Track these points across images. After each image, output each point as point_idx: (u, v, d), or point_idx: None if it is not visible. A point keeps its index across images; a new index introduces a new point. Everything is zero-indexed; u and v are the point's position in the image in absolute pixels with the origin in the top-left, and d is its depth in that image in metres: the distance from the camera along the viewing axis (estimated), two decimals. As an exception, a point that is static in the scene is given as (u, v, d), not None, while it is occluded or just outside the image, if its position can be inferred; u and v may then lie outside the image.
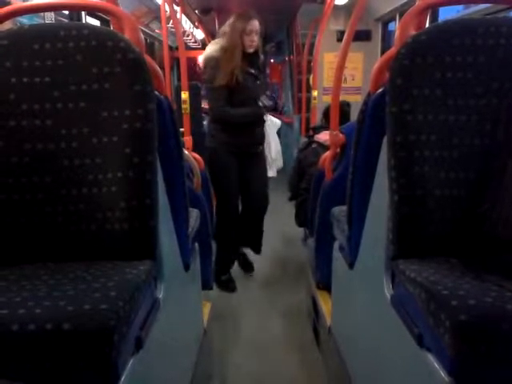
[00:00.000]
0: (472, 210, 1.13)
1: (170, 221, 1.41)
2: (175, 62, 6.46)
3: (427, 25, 1.46)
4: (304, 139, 3.29)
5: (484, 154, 1.16)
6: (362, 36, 4.61)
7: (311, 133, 3.21)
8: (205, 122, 5.68)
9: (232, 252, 3.12)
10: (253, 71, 2.83)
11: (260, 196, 3.02)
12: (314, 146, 3.04)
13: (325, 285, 2.21)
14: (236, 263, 3.24)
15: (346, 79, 4.75)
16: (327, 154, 2.31)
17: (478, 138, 1.17)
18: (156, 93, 1.24)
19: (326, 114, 3.14)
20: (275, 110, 3.18)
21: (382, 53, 4.64)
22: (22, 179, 1.14)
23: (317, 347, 2.34)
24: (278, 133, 4.06)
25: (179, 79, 2.96)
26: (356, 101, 4.01)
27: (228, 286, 3.07)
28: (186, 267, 1.61)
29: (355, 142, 1.50)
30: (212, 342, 2.19)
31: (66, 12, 3.04)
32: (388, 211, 1.19)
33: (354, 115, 1.63)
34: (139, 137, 1.14)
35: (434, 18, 3.12)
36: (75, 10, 2.90)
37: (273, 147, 3.14)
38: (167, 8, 3.10)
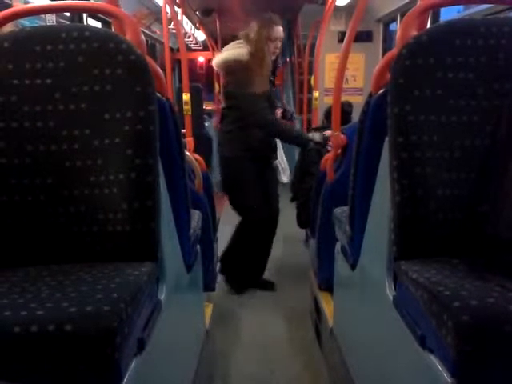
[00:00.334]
0: (474, 210, 1.13)
1: (171, 222, 1.41)
2: (176, 63, 6.47)
3: (428, 25, 1.46)
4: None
5: (485, 154, 1.16)
6: (364, 37, 4.61)
7: None
8: (207, 124, 5.71)
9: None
10: (272, 78, 2.84)
11: (275, 206, 2.99)
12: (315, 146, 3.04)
13: (327, 286, 2.21)
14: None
15: (347, 80, 4.75)
16: (329, 154, 2.31)
17: (480, 139, 1.16)
18: (157, 94, 1.24)
19: (328, 114, 3.14)
20: (284, 118, 3.16)
21: (384, 53, 4.64)
22: (24, 180, 1.14)
23: (319, 348, 2.34)
24: None
25: (180, 81, 2.96)
26: (357, 102, 4.01)
27: (272, 285, 3.07)
28: (188, 268, 1.61)
29: (357, 143, 1.50)
30: (214, 343, 2.19)
31: (68, 14, 3.05)
32: (390, 212, 1.19)
33: (356, 116, 1.63)
34: (141, 138, 1.14)
35: (436, 18, 3.12)
36: (76, 12, 2.90)
37: (282, 154, 3.15)
38: (168, 9, 3.10)
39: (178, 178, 1.47)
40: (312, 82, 4.59)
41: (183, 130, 2.39)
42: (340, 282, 1.87)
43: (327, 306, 2.15)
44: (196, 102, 4.08)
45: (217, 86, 6.62)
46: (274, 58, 2.76)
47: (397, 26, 4.32)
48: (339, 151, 2.22)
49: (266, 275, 3.11)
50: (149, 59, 1.24)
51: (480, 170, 1.15)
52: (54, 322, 0.81)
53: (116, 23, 1.34)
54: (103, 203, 1.14)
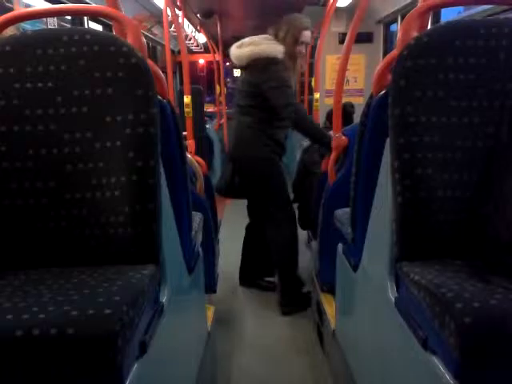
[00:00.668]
0: (476, 211, 1.13)
1: (173, 225, 1.41)
2: (177, 66, 6.48)
3: (429, 26, 1.46)
4: (307, 142, 3.28)
5: (487, 155, 1.15)
6: (364, 38, 4.61)
7: None
8: (208, 126, 5.71)
9: None
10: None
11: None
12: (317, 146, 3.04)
13: (329, 287, 2.21)
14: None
15: (348, 81, 4.75)
16: (330, 156, 2.31)
17: (481, 140, 1.16)
18: (159, 97, 1.24)
19: (330, 116, 3.14)
20: None
21: (384, 55, 4.64)
22: (26, 184, 1.14)
23: (321, 350, 2.33)
24: None
25: (182, 83, 2.97)
26: (358, 103, 4.01)
27: (274, 286, 2.98)
28: (190, 271, 1.61)
29: (358, 144, 1.50)
30: (216, 345, 2.18)
31: (69, 17, 3.06)
32: (391, 213, 1.19)
33: (357, 117, 1.63)
34: (142, 141, 1.14)
35: (436, 19, 3.12)
36: (78, 16, 2.91)
37: None
38: (169, 12, 3.10)
39: (180, 180, 1.47)
40: (313, 83, 4.60)
41: (184, 133, 2.40)
42: (342, 284, 1.87)
43: (329, 307, 2.14)
44: (197, 104, 4.09)
45: (218, 88, 6.63)
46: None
47: (397, 27, 4.32)
48: (340, 152, 2.22)
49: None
50: (150, 62, 1.24)
51: (482, 172, 1.15)
52: (56, 325, 0.81)
53: (117, 26, 1.35)
54: (105, 206, 1.14)
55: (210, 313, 2.22)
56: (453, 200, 1.15)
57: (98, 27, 3.71)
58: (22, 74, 1.16)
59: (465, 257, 1.11)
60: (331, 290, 2.12)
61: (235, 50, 2.68)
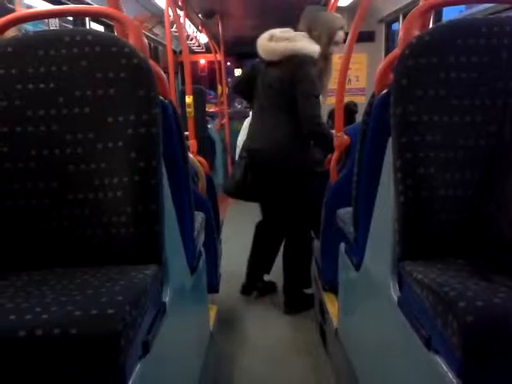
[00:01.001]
0: (478, 210, 1.13)
1: (175, 225, 1.41)
2: (179, 66, 6.48)
3: (431, 25, 1.46)
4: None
5: (490, 154, 1.15)
6: (366, 37, 4.60)
7: None
8: (210, 126, 5.72)
9: None
10: None
11: None
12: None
13: (331, 287, 2.21)
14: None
15: (349, 80, 4.75)
16: (332, 155, 2.31)
17: (484, 139, 1.16)
18: (160, 97, 1.24)
19: (333, 115, 3.14)
20: None
21: (386, 54, 4.64)
22: (28, 185, 1.15)
23: (324, 350, 2.33)
24: None
25: (183, 83, 2.96)
26: (360, 102, 4.00)
27: (274, 286, 3.00)
28: (192, 271, 1.61)
29: (360, 144, 1.50)
30: (218, 345, 2.19)
31: (70, 18, 3.06)
32: (394, 212, 1.19)
33: (359, 116, 1.63)
34: (144, 141, 1.14)
35: (438, 18, 3.11)
36: (79, 16, 2.91)
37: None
38: (171, 12, 3.10)
39: (182, 180, 1.47)
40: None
41: (186, 133, 2.40)
42: (344, 283, 1.87)
43: (332, 306, 2.14)
44: (199, 104, 4.08)
45: (220, 88, 6.63)
46: None
47: (399, 26, 4.31)
48: (342, 152, 2.22)
49: (269, 274, 3.11)
50: (152, 62, 1.25)
51: (484, 170, 1.15)
52: (59, 325, 0.81)
53: (118, 27, 1.35)
54: (107, 206, 1.14)
55: (213, 313, 2.23)
56: (455, 199, 1.15)
57: (100, 28, 3.71)
58: (24, 74, 1.16)
59: (467, 256, 1.11)
60: (333, 290, 2.12)
61: (266, 43, 2.51)
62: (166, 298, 1.21)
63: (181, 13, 4.10)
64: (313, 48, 2.47)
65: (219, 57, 6.39)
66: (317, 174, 2.53)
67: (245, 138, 2.80)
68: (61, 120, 1.15)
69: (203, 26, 5.75)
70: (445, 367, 0.91)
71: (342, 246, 1.84)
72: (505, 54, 1.17)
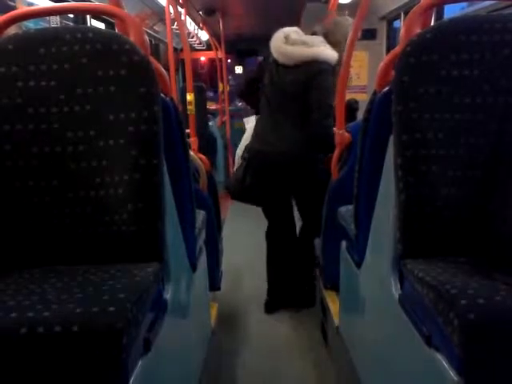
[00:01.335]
0: (479, 208, 1.13)
1: (176, 222, 1.41)
2: (180, 63, 6.47)
3: (432, 23, 1.46)
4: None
5: (491, 152, 1.15)
6: (367, 35, 4.58)
7: None
8: (211, 123, 5.71)
9: None
10: None
11: None
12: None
13: (332, 285, 2.21)
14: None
15: (351, 78, 4.74)
16: (333, 153, 2.30)
17: (485, 136, 1.16)
18: (161, 95, 1.24)
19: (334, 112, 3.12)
20: None
21: (388, 51, 4.63)
22: (30, 182, 1.15)
23: (325, 347, 2.33)
24: None
25: (184, 80, 2.95)
26: (361, 99, 3.99)
27: None
28: (194, 268, 1.61)
29: (361, 141, 1.50)
30: (220, 342, 2.19)
31: (71, 15, 3.06)
32: (395, 210, 1.19)
33: (360, 114, 1.62)
34: (145, 139, 1.14)
35: (440, 15, 3.11)
36: (80, 14, 2.91)
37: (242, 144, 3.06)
38: (171, 10, 3.10)
39: (183, 177, 1.47)
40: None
41: (187, 130, 2.39)
42: (346, 281, 1.87)
43: (333, 304, 2.14)
44: (200, 101, 4.08)
45: (221, 86, 6.62)
46: None
47: (400, 24, 4.30)
48: (344, 149, 2.21)
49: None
50: (152, 59, 1.24)
51: (486, 168, 1.15)
52: (61, 323, 0.81)
53: (119, 24, 1.35)
54: (109, 204, 1.14)
55: (214, 310, 2.23)
56: (456, 196, 1.15)
57: (101, 25, 3.71)
58: (25, 72, 1.16)
59: (468, 254, 1.11)
60: (335, 287, 2.12)
61: (282, 46, 2.44)
62: (168, 296, 1.21)
63: (182, 10, 4.09)
64: (332, 54, 2.42)
65: (220, 54, 6.38)
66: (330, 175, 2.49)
67: (248, 140, 2.73)
68: (62, 117, 1.15)
69: (204, 23, 5.74)
70: (445, 364, 0.91)
71: (344, 243, 1.84)
72: (507, 52, 1.17)
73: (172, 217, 1.35)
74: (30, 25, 2.21)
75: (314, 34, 2.55)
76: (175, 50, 5.54)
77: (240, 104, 8.20)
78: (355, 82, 4.94)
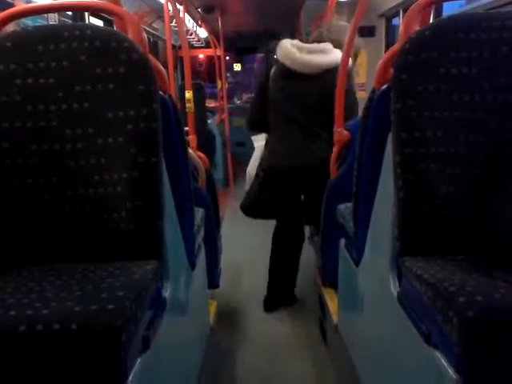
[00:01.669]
0: (478, 206, 1.13)
1: (175, 220, 1.41)
2: (179, 60, 6.46)
3: (431, 20, 1.45)
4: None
5: (490, 149, 1.15)
6: (366, 32, 4.58)
7: None
8: (209, 121, 5.71)
9: None
10: None
11: None
12: None
13: (331, 282, 2.21)
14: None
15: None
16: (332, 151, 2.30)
17: (484, 134, 1.16)
18: (160, 92, 1.24)
19: None
20: None
21: (386, 49, 4.62)
22: (28, 180, 1.15)
23: (324, 344, 2.34)
24: None
25: (183, 78, 2.94)
26: (360, 97, 3.99)
27: None
28: (192, 266, 1.61)
29: (360, 139, 1.50)
30: (219, 340, 2.19)
31: (70, 13, 3.05)
32: (393, 208, 1.19)
33: (359, 112, 1.62)
34: (144, 137, 1.14)
35: (438, 13, 3.10)
36: (79, 11, 2.90)
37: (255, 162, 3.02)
38: (170, 7, 3.09)
39: (182, 175, 1.47)
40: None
41: (186, 128, 2.39)
42: (344, 279, 1.87)
43: (332, 302, 2.14)
44: (199, 99, 4.07)
45: (219, 83, 6.61)
46: None
47: (399, 21, 4.30)
48: (342, 147, 2.21)
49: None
50: (151, 57, 1.24)
51: (485, 166, 1.15)
52: (59, 320, 0.81)
53: (118, 21, 1.34)
54: (107, 202, 1.14)
55: (213, 308, 2.23)
56: (455, 194, 1.15)
57: (99, 23, 3.70)
58: (24, 69, 1.16)
59: (467, 251, 1.11)
60: (333, 285, 2.12)
61: (298, 55, 2.39)
62: (166, 294, 1.22)
63: (180, 7, 4.09)
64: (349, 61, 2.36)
65: (219, 52, 6.37)
66: None
67: (258, 159, 2.68)
68: (60, 115, 1.15)
69: (203, 20, 5.73)
70: (444, 362, 0.91)
71: (342, 241, 1.84)
72: (505, 49, 1.17)
73: (171, 215, 1.35)
74: (28, 22, 2.20)
75: (319, 36, 2.53)
76: (174, 47, 5.52)
77: (238, 102, 8.19)
78: (354, 79, 4.93)
